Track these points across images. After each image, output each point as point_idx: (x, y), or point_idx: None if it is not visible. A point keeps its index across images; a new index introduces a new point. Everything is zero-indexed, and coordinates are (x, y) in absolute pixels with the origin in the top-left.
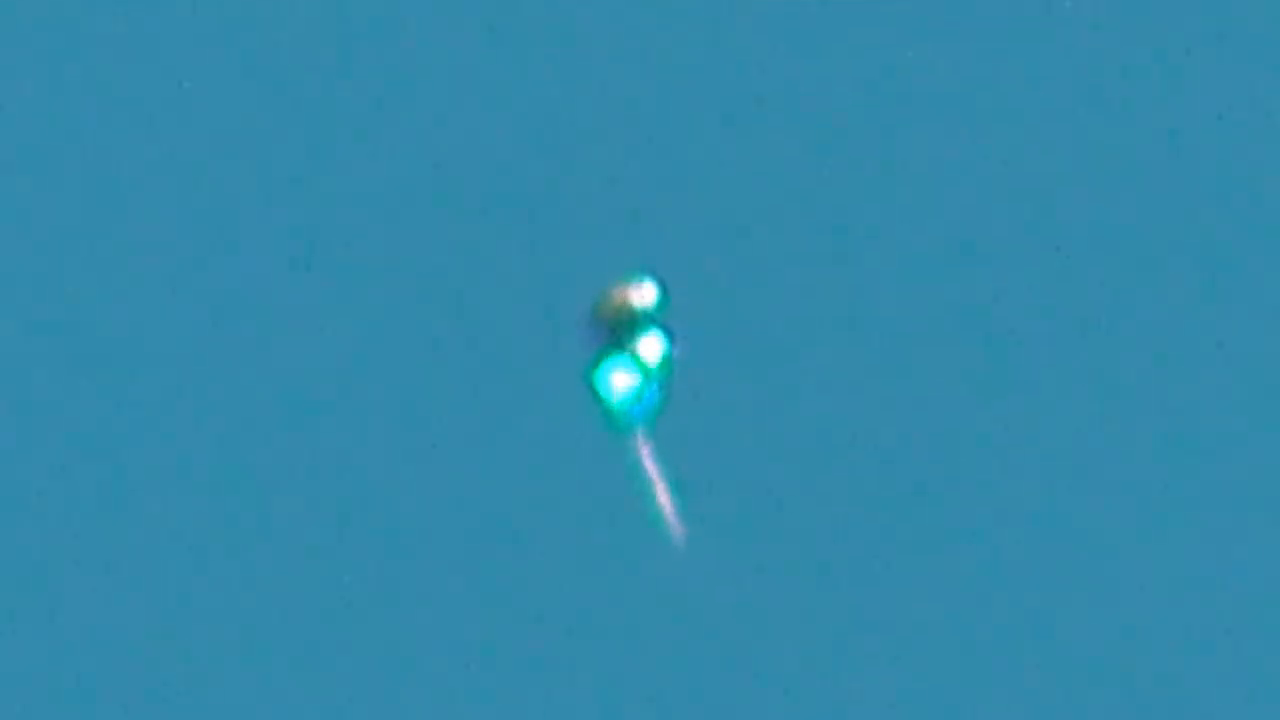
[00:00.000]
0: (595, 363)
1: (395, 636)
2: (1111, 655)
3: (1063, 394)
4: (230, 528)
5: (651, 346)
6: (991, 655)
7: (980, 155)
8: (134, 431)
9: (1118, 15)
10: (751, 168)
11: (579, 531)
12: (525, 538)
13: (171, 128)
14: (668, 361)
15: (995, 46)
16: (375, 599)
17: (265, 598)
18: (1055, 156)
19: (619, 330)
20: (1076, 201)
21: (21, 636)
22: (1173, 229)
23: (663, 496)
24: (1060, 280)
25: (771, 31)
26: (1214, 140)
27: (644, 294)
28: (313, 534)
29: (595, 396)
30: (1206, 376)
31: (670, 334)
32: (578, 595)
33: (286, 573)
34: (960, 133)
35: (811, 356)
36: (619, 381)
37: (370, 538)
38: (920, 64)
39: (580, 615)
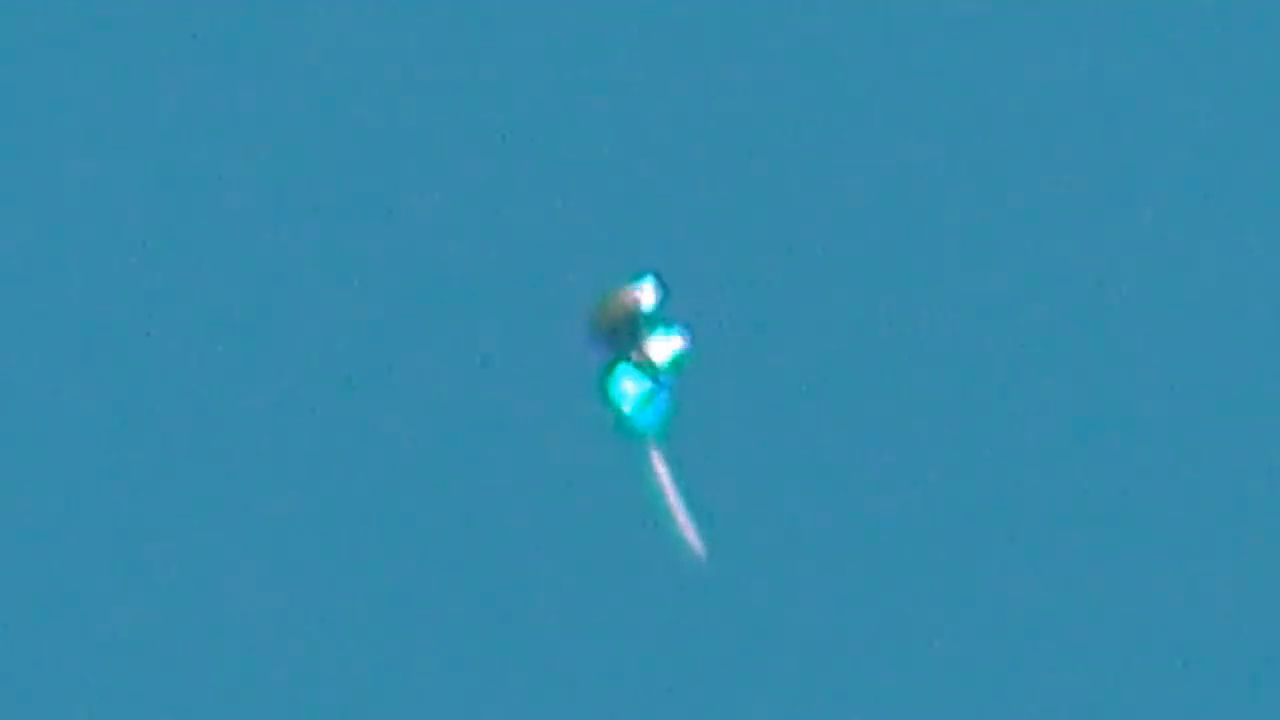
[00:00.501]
0: (605, 369)
1: (399, 643)
2: (1149, 679)
3: (1067, 387)
4: (231, 530)
5: (660, 350)
6: (1005, 656)
7: (981, 155)
8: (132, 430)
9: (1118, 17)
10: (752, 168)
11: (589, 540)
12: (533, 545)
13: (169, 126)
14: (678, 365)
15: (996, 46)
16: (380, 608)
17: (266, 608)
18: (1057, 156)
19: (625, 335)
20: (1079, 202)
21: (21, 636)
22: (1174, 231)
23: (676, 503)
24: (1058, 277)
25: (772, 31)
26: (1214, 142)
27: (648, 296)
28: (316, 538)
29: (605, 403)
30: (1208, 378)
31: (678, 336)
32: (588, 604)
33: (288, 578)
34: (962, 132)
35: (820, 358)
36: (629, 387)
37: (376, 547)
38: (921, 63)
39: (592, 626)
